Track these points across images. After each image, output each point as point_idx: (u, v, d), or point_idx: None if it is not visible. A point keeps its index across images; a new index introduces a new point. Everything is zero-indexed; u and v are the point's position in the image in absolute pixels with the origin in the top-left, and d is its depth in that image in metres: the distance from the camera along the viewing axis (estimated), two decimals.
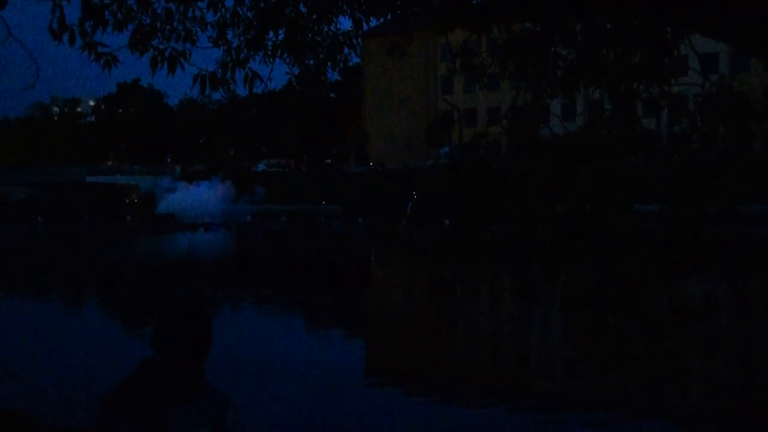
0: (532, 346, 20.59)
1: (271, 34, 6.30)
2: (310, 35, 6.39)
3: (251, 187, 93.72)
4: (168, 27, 6.24)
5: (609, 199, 4.88)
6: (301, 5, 6.27)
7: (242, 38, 6.31)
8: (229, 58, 6.22)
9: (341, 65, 6.58)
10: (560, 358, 18.18)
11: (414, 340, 20.93)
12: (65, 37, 5.56)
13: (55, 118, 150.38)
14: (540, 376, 17.21)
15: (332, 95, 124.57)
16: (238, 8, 6.28)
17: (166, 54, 5.89)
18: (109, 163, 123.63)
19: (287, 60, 6.39)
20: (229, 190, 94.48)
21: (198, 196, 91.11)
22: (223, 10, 6.27)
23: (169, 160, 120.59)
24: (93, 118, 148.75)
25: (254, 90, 6.19)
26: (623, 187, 4.89)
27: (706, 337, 17.17)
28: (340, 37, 6.48)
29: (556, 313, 19.07)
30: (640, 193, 4.98)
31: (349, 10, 6.23)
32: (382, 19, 6.56)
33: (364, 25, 6.30)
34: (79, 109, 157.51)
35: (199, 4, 6.27)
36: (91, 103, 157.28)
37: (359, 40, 6.74)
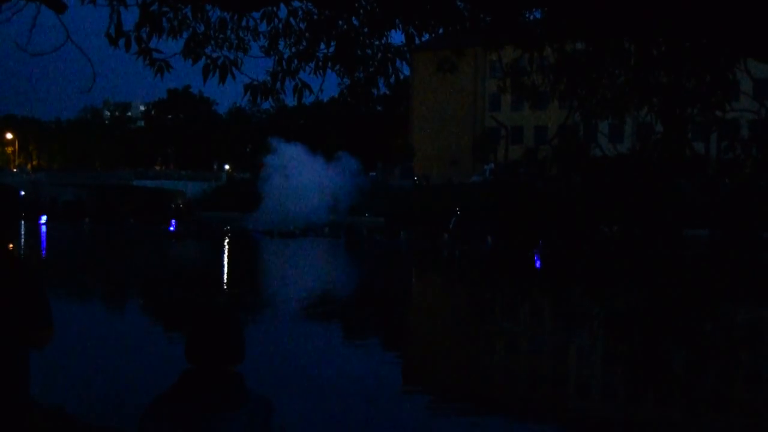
0: (573, 368, 20.36)
1: (323, 46, 6.34)
2: (360, 49, 6.41)
3: None
4: (221, 36, 6.32)
5: (658, 222, 4.81)
6: (354, 18, 6.30)
7: (294, 49, 6.36)
8: (279, 68, 6.27)
9: (392, 79, 6.58)
10: (602, 381, 17.96)
11: (452, 356, 20.82)
12: (121, 42, 5.66)
13: (106, 122, 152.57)
14: (582, 399, 17.02)
15: (379, 108, 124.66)
16: (291, 19, 6.33)
17: (218, 63, 5.96)
18: (157, 167, 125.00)
19: (338, 72, 6.43)
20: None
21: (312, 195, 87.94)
22: (276, 21, 6.33)
23: (215, 166, 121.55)
24: (143, 123, 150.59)
25: (303, 101, 6.24)
26: (672, 211, 4.82)
27: (756, 364, 16.85)
28: (391, 51, 6.49)
29: (601, 335, 18.85)
30: (690, 218, 4.90)
31: (401, 25, 6.24)
32: (433, 34, 6.56)
33: (416, 39, 6.31)
34: (130, 114, 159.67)
35: (253, 14, 6.34)
36: (142, 108, 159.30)
37: (409, 54, 6.74)
